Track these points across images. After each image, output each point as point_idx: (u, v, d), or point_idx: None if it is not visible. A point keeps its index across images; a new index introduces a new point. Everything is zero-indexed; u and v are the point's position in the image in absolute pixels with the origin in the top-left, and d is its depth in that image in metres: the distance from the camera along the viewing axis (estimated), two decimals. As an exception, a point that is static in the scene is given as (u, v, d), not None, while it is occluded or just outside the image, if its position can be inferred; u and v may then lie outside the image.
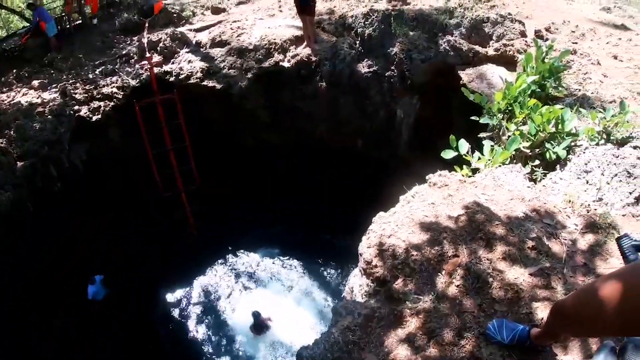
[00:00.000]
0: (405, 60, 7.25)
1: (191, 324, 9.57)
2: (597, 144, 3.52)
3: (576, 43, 6.70)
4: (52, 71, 8.98)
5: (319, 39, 8.22)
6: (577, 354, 2.03)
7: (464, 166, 3.79)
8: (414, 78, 7.26)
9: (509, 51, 6.58)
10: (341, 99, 8.22)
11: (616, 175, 3.17)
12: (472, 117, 4.62)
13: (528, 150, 3.79)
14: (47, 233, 7.25)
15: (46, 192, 7.09)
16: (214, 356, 8.94)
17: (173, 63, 8.65)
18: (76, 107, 7.74)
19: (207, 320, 9.58)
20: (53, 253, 7.51)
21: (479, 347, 2.09)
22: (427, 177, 3.46)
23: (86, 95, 7.98)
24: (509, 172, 3.42)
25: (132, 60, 8.90)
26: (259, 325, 8.72)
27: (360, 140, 8.71)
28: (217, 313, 9.67)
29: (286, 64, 8.15)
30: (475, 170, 3.72)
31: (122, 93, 8.20)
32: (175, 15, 10.25)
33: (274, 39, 8.36)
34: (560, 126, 3.70)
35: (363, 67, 7.75)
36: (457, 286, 2.43)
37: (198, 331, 9.41)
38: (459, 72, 6.66)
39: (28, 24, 12.10)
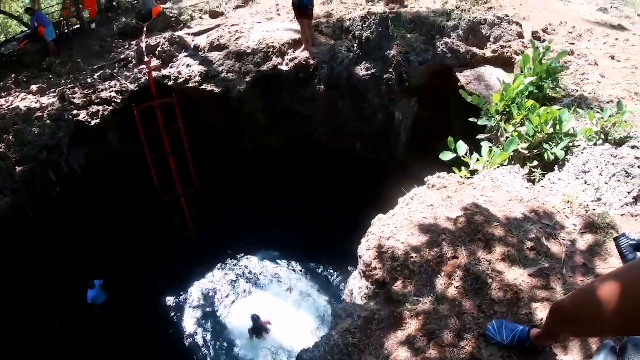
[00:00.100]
0: (403, 62, 7.26)
1: (190, 327, 9.55)
2: (595, 144, 3.53)
3: (573, 44, 6.72)
4: (50, 76, 8.96)
5: (317, 42, 8.24)
6: (577, 354, 2.03)
7: (463, 168, 3.80)
8: (411, 80, 7.27)
9: (507, 52, 6.60)
10: (339, 102, 8.23)
11: (614, 175, 3.18)
12: (470, 119, 4.63)
13: (526, 151, 3.80)
14: (46, 236, 7.24)
15: (45, 196, 7.06)
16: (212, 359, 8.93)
17: (171, 67, 8.65)
18: (75, 112, 7.72)
19: (206, 324, 9.56)
20: (53, 254, 7.50)
21: (478, 348, 2.09)
22: (425, 179, 3.46)
23: (85, 99, 7.97)
24: (507, 173, 3.42)
25: (131, 64, 8.89)
26: (258, 329, 8.71)
27: (359, 142, 8.71)
28: (216, 316, 9.66)
29: (284, 67, 8.15)
30: (473, 172, 3.73)
31: (120, 97, 8.19)
32: (173, 19, 10.25)
33: (272, 43, 8.37)
34: (558, 127, 3.72)
35: (361, 70, 7.77)
36: (457, 287, 2.43)
37: (197, 334, 9.39)
38: (456, 73, 6.67)
39: (26, 29, 12.07)
